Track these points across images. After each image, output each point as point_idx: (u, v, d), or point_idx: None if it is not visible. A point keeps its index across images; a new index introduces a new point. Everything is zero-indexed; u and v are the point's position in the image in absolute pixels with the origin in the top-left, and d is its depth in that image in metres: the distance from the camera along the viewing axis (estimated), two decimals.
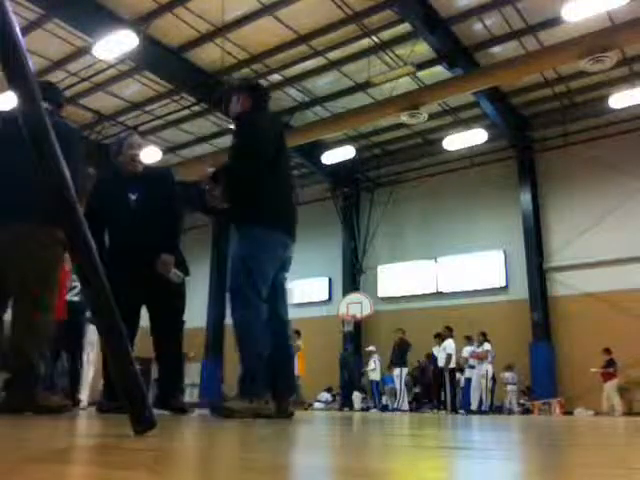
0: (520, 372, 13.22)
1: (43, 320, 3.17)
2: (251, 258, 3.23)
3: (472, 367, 12.22)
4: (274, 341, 3.27)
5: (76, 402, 5.92)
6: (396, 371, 12.85)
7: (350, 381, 13.75)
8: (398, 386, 12.86)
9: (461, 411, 11.70)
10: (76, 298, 6.09)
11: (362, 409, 13.50)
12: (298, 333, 13.52)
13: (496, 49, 12.00)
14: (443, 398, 12.29)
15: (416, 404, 13.33)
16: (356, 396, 13.88)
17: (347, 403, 13.45)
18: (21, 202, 3.09)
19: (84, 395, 6.96)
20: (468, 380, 12.27)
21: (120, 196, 3.74)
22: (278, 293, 3.40)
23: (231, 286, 3.27)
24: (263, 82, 13.35)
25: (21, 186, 3.04)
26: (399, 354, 12.83)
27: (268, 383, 3.20)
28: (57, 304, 5.33)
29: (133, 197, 3.73)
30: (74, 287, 6.06)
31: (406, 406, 12.75)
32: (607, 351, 11.94)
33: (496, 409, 12.30)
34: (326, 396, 15.04)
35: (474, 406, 11.80)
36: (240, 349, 3.23)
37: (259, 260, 3.23)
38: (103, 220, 3.74)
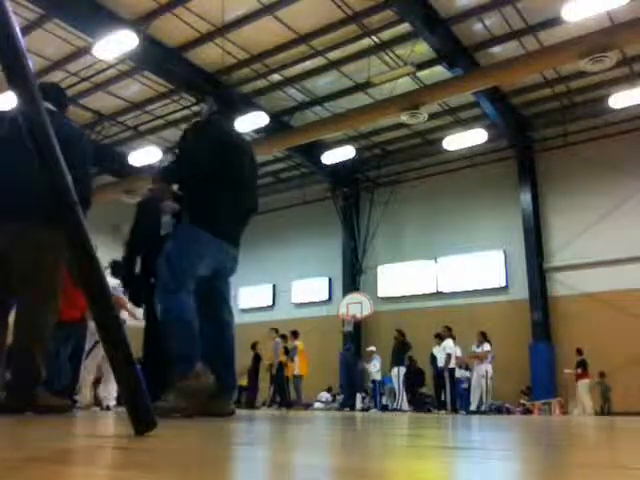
0: (520, 373, 13.25)
1: (46, 320, 3.17)
2: (174, 252, 3.31)
3: (464, 368, 12.34)
4: (213, 343, 3.39)
5: (74, 402, 5.93)
6: (394, 371, 12.87)
7: (353, 381, 13.71)
8: (396, 386, 12.87)
9: (462, 411, 11.70)
10: None
11: (362, 409, 13.49)
12: (295, 334, 13.50)
13: (496, 49, 12.01)
14: (443, 398, 12.29)
15: (414, 404, 13.32)
16: (357, 396, 13.87)
17: (349, 403, 13.39)
18: (22, 202, 3.09)
19: (85, 395, 6.98)
20: (461, 380, 12.33)
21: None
22: (217, 299, 3.51)
23: (156, 283, 3.38)
24: (263, 82, 13.39)
25: (22, 186, 3.05)
26: (397, 354, 12.84)
27: (193, 356, 3.21)
28: (81, 303, 5.40)
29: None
30: None
31: (406, 406, 12.74)
32: (579, 352, 12.26)
33: (496, 409, 12.30)
34: (326, 396, 15.03)
35: (474, 406, 11.79)
36: (170, 343, 3.24)
37: (183, 253, 3.30)
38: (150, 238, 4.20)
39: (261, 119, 12.79)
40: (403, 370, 12.82)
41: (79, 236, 1.47)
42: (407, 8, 10.50)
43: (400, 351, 12.85)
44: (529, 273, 14.23)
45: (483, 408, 11.71)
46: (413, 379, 13.23)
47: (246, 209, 3.62)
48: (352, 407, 13.31)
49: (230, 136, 3.63)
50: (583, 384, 12.09)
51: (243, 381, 13.64)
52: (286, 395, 13.06)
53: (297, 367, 13.12)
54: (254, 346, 13.61)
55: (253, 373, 13.51)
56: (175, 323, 3.20)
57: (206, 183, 3.38)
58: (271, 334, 13.45)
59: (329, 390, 15.24)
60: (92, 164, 3.52)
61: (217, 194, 3.41)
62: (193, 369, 3.16)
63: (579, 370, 12.11)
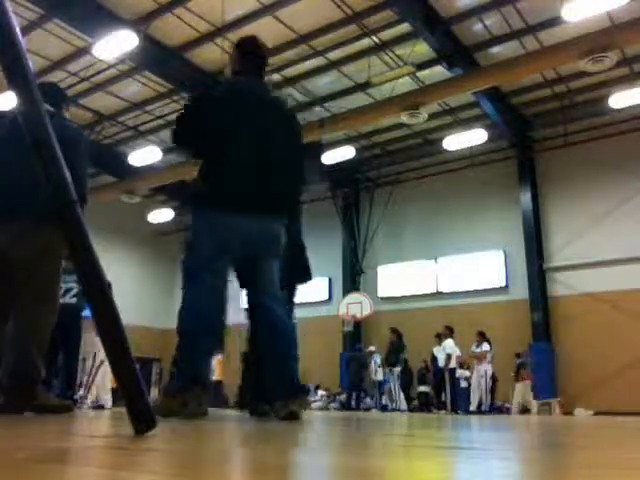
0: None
1: (45, 320, 3.17)
2: (191, 237, 3.02)
3: (465, 368, 12.50)
4: (259, 335, 3.08)
5: (74, 402, 5.98)
6: (388, 371, 12.94)
7: (359, 381, 13.65)
8: (392, 385, 12.90)
9: (460, 411, 11.72)
10: (73, 300, 6.13)
11: (364, 409, 13.48)
12: None
13: (496, 49, 12.00)
14: (443, 398, 12.31)
15: (419, 404, 13.33)
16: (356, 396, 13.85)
17: (354, 403, 13.27)
18: (22, 202, 3.09)
19: (91, 395, 7.10)
20: (460, 380, 12.36)
21: None
22: (255, 280, 3.07)
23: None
24: None
25: (22, 186, 3.05)
26: (394, 354, 12.89)
27: (195, 377, 2.82)
28: None
29: None
30: (70, 289, 6.09)
31: (404, 406, 12.74)
32: (518, 355, 12.86)
33: (496, 409, 12.28)
34: (320, 393, 14.94)
35: (474, 406, 11.81)
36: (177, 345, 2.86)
37: (196, 239, 3.00)
38: None
39: None
40: (397, 370, 12.87)
41: (79, 236, 1.47)
42: (407, 8, 10.50)
43: (397, 351, 12.88)
44: (529, 273, 14.23)
45: (483, 408, 11.72)
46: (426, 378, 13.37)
47: (280, 176, 3.06)
48: (357, 407, 13.29)
49: (245, 91, 3.12)
50: (524, 385, 12.57)
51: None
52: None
53: None
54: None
55: (246, 372, 13.48)
56: (183, 323, 2.82)
57: (210, 147, 2.97)
58: None
59: (316, 388, 15.13)
60: (90, 164, 3.51)
61: (224, 160, 2.94)
62: (183, 390, 2.72)
63: (520, 372, 12.66)
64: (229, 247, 2.97)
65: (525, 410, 12.23)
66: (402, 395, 12.90)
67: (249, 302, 3.10)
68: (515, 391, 12.66)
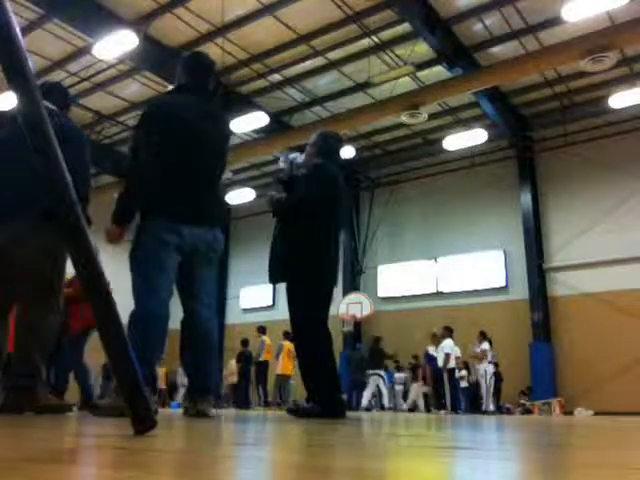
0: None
1: (46, 320, 3.17)
2: (135, 246, 3.10)
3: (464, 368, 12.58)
4: (184, 338, 3.23)
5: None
6: (371, 372, 13.04)
7: (360, 381, 13.67)
8: (376, 387, 12.99)
9: (459, 411, 11.71)
10: None
11: (363, 409, 13.48)
12: (287, 335, 13.46)
13: (496, 49, 12.01)
14: (443, 399, 12.30)
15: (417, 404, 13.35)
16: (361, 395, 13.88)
17: (354, 403, 13.28)
18: (23, 202, 3.09)
19: None
20: (459, 380, 12.39)
21: None
22: (192, 287, 3.21)
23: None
24: (263, 82, 13.39)
25: (22, 186, 3.05)
26: (376, 358, 13.01)
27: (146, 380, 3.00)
28: (86, 314, 5.48)
29: None
30: None
31: (365, 403, 12.82)
32: (415, 357, 13.53)
33: (498, 409, 12.26)
34: None
35: (474, 406, 11.80)
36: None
37: (140, 247, 3.07)
38: None
39: (261, 119, 12.79)
40: (380, 372, 12.99)
41: (79, 236, 1.47)
42: (407, 8, 10.51)
43: (379, 355, 12.99)
44: (529, 273, 14.23)
45: (484, 408, 11.71)
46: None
47: (205, 181, 3.22)
48: (357, 407, 13.29)
49: (179, 107, 3.22)
50: (419, 386, 13.24)
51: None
52: (266, 395, 13.29)
53: (280, 366, 13.19)
54: (245, 343, 13.71)
55: (243, 372, 13.58)
56: (139, 330, 2.90)
57: (147, 165, 3.07)
58: (259, 333, 13.72)
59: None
60: (91, 163, 3.51)
61: (163, 172, 3.08)
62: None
63: (416, 373, 13.41)
64: (171, 255, 3.07)
65: (414, 408, 12.96)
66: (367, 397, 13.03)
67: (182, 306, 3.25)
68: (410, 391, 13.45)
